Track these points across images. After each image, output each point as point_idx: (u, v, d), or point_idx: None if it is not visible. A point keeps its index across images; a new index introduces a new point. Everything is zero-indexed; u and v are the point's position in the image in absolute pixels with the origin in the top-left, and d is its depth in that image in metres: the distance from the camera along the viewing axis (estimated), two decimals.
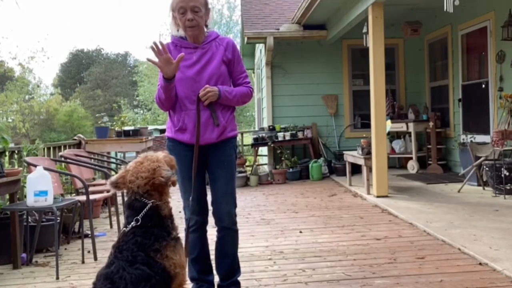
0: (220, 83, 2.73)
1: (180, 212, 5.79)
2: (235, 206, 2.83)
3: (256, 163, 9.14)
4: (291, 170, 8.55)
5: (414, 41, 9.17)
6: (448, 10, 5.18)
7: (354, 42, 8.84)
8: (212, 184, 2.81)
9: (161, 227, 2.11)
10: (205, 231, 2.87)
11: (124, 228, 2.10)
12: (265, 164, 9.63)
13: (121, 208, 5.53)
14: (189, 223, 2.78)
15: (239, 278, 2.93)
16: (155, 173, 2.11)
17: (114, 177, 2.19)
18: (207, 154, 2.77)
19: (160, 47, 2.53)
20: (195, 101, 2.66)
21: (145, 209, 2.09)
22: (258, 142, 8.80)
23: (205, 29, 2.78)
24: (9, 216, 3.76)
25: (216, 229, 2.85)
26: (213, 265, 2.95)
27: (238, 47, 13.48)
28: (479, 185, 6.44)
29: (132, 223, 2.08)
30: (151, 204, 2.10)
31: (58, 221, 4.05)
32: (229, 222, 2.80)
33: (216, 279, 2.95)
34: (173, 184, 2.15)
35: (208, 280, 2.88)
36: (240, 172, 8.32)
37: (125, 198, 2.18)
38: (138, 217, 2.08)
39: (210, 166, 2.81)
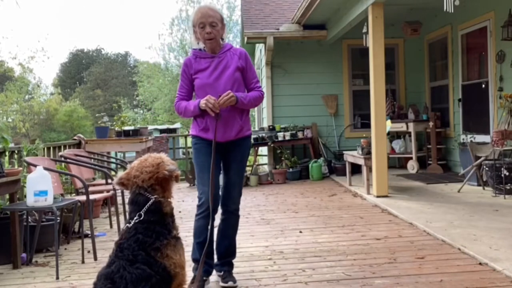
0: (235, 88, 3.11)
1: (180, 212, 5.81)
2: (240, 195, 3.28)
3: (256, 163, 9.14)
4: (291, 170, 8.55)
5: (414, 41, 9.17)
6: (448, 10, 5.18)
7: (354, 42, 8.84)
8: (224, 173, 3.24)
9: (162, 224, 2.14)
10: (213, 219, 3.10)
11: (127, 224, 2.11)
12: (265, 164, 9.63)
13: (121, 208, 5.54)
14: (201, 209, 3.10)
15: (233, 261, 3.29)
16: (159, 168, 2.19)
17: (119, 174, 2.24)
18: (226, 149, 3.17)
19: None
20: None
21: (148, 204, 2.13)
22: (258, 142, 8.79)
23: (221, 41, 3.19)
24: (9, 216, 3.76)
25: (221, 212, 3.23)
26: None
27: (238, 47, 13.58)
28: (479, 185, 6.44)
29: (135, 218, 2.10)
30: (154, 199, 2.15)
31: (58, 221, 4.06)
32: (233, 208, 3.23)
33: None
34: (176, 179, 2.24)
35: (209, 263, 3.17)
36: None
37: (127, 199, 2.20)
38: (141, 212, 2.12)
39: (226, 159, 3.21)
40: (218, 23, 3.09)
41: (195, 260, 3.16)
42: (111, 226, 5.11)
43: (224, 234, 3.24)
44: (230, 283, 3.11)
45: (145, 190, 2.16)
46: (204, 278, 3.15)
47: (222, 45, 3.19)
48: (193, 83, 3.17)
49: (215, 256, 3.27)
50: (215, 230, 3.25)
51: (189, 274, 2.86)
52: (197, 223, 3.12)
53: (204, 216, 3.07)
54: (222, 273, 3.21)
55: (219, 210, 3.24)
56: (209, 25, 3.05)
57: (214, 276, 3.33)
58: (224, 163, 3.23)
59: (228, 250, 3.25)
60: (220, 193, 3.24)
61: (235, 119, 3.11)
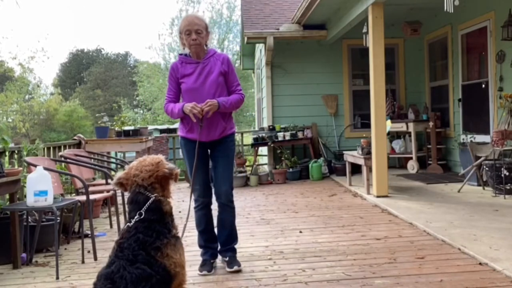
0: (218, 91, 3.39)
1: (180, 212, 5.81)
2: (231, 187, 3.52)
3: (256, 163, 9.14)
4: (291, 170, 8.54)
5: (414, 41, 9.17)
6: (448, 10, 5.18)
7: (354, 42, 8.84)
8: (214, 170, 3.53)
9: (162, 223, 2.15)
10: (210, 209, 3.56)
11: (128, 223, 2.12)
12: (265, 164, 9.63)
13: (121, 208, 5.54)
14: (196, 203, 3.49)
15: (236, 246, 3.61)
16: (158, 166, 2.22)
17: (117, 174, 2.27)
18: (212, 148, 3.50)
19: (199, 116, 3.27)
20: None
21: (148, 203, 2.14)
22: (258, 142, 8.80)
23: (205, 48, 3.45)
24: (9, 216, 3.76)
25: (217, 205, 3.54)
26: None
27: (238, 47, 13.60)
28: (479, 185, 6.44)
29: (135, 217, 2.11)
30: (154, 198, 2.17)
31: (58, 221, 4.06)
32: (226, 200, 3.49)
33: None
34: (176, 178, 2.27)
35: (213, 247, 3.57)
36: (240, 172, 8.31)
37: (126, 199, 2.20)
38: (141, 211, 2.12)
39: (213, 157, 3.52)
40: (203, 31, 3.38)
41: (201, 246, 3.58)
42: (111, 226, 5.12)
43: (222, 225, 3.55)
44: (236, 268, 3.41)
45: (145, 189, 2.18)
46: (212, 261, 3.51)
47: (206, 50, 3.47)
48: (180, 87, 3.46)
49: (219, 244, 3.60)
50: (215, 221, 3.62)
51: (190, 268, 2.93)
52: (196, 215, 3.54)
53: (200, 209, 3.51)
54: (227, 258, 3.51)
55: (215, 204, 3.55)
56: (194, 32, 3.33)
57: (218, 272, 3.34)
58: (212, 160, 3.56)
59: (229, 238, 3.56)
60: (213, 188, 3.56)
61: (218, 121, 3.40)
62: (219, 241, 3.59)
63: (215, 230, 3.65)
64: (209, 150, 3.53)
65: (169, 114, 3.48)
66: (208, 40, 3.46)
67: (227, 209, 3.52)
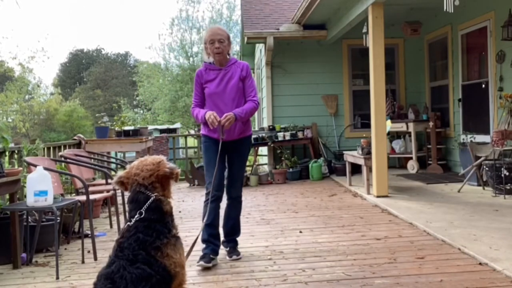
0: (238, 96, 3.70)
1: (180, 212, 5.81)
2: (241, 184, 3.93)
3: (256, 163, 9.14)
4: (291, 170, 8.54)
5: (414, 41, 9.17)
6: (448, 10, 5.18)
7: (354, 42, 8.84)
8: (229, 168, 3.85)
9: (162, 222, 2.15)
10: (219, 205, 3.74)
11: (128, 223, 2.12)
12: (265, 164, 9.63)
13: (121, 208, 5.53)
14: (210, 195, 3.64)
15: (238, 238, 3.94)
16: (159, 166, 2.22)
17: (118, 173, 2.26)
18: (230, 147, 3.75)
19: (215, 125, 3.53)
20: (221, 110, 3.61)
21: (148, 202, 2.14)
22: (258, 142, 8.79)
23: (228, 56, 3.76)
24: (9, 216, 3.76)
25: (226, 198, 3.85)
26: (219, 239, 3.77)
27: (238, 47, 13.63)
28: (479, 185, 6.44)
29: (136, 216, 2.11)
30: (154, 197, 2.17)
31: (58, 221, 4.06)
32: (236, 196, 3.88)
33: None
34: (176, 177, 2.27)
35: (215, 243, 3.70)
36: None
37: (126, 199, 2.21)
38: (142, 210, 2.12)
39: (230, 155, 3.82)
40: (225, 40, 3.68)
41: (203, 241, 3.67)
42: (111, 226, 5.11)
43: (229, 216, 3.88)
44: (234, 257, 3.74)
45: (146, 188, 2.18)
46: (212, 256, 3.60)
47: (229, 59, 3.77)
48: (204, 91, 3.76)
49: (222, 234, 3.86)
50: (222, 213, 3.83)
51: (190, 268, 2.91)
52: (205, 208, 3.66)
53: (212, 201, 3.66)
54: (228, 248, 3.84)
55: (224, 197, 3.81)
56: (217, 42, 3.64)
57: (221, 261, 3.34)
58: (228, 159, 3.84)
59: (233, 229, 3.90)
60: (225, 183, 3.83)
61: (237, 123, 3.68)
62: (224, 231, 3.89)
63: (220, 228, 3.82)
64: (226, 149, 3.77)
65: (194, 118, 3.81)
66: (230, 49, 3.77)
67: (236, 204, 3.89)
